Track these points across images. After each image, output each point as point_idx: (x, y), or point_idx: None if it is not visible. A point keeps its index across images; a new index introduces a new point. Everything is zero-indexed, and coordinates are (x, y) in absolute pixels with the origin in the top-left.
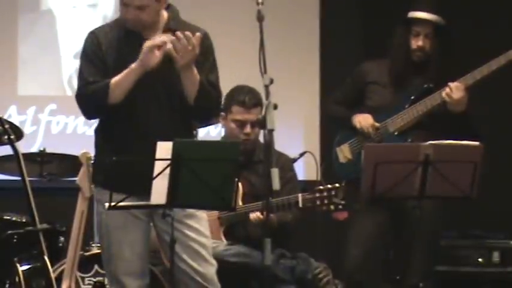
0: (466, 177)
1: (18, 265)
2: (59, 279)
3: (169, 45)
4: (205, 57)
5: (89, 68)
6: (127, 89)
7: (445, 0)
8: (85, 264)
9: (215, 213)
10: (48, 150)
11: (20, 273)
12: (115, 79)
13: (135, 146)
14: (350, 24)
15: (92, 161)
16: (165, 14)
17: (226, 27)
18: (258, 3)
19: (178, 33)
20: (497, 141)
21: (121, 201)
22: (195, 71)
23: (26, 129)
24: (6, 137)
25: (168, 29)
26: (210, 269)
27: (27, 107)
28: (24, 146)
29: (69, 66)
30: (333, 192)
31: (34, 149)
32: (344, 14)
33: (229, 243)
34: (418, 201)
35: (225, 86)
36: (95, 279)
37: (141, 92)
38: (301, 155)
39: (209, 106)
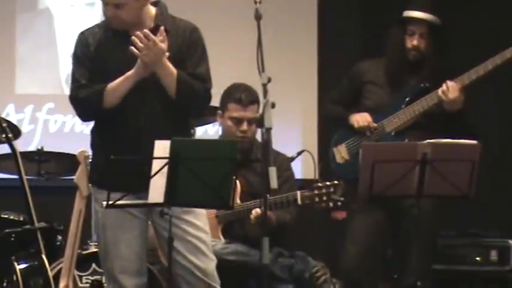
0: (464, 176)
1: (15, 264)
2: (56, 277)
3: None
4: (193, 51)
5: (79, 70)
6: (122, 95)
7: None
8: (83, 262)
9: (213, 211)
10: (46, 149)
11: (18, 271)
12: (111, 85)
13: (129, 146)
14: (348, 23)
15: (90, 160)
16: (152, 10)
17: (224, 26)
18: (255, 2)
19: (138, 32)
20: (495, 140)
21: (119, 200)
22: (169, 67)
23: (24, 128)
24: (3, 135)
25: (156, 26)
26: (210, 264)
27: (25, 105)
28: (22, 145)
29: (67, 65)
30: (332, 189)
31: (32, 147)
32: (342, 12)
33: (227, 241)
34: (415, 200)
35: (223, 85)
36: (92, 278)
37: (132, 93)
38: (299, 153)
39: (194, 99)
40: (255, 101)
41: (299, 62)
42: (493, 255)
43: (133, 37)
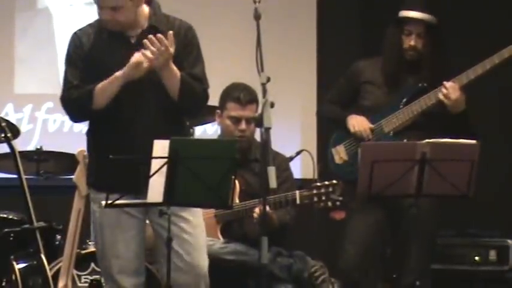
0: (463, 175)
1: (14, 263)
2: (55, 277)
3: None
4: (189, 51)
5: (71, 71)
6: (111, 96)
7: None
8: (82, 262)
9: (211, 211)
10: (44, 149)
11: (17, 271)
12: (99, 85)
13: (126, 148)
14: (348, 23)
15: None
16: (146, 10)
17: (223, 26)
18: (255, 2)
19: (151, 36)
20: (494, 140)
21: (117, 200)
22: (174, 69)
23: (23, 128)
24: (2, 135)
25: (150, 26)
26: (204, 264)
27: (24, 105)
28: (21, 144)
29: None
30: (331, 189)
31: (31, 147)
32: (342, 12)
33: (225, 241)
34: (414, 199)
35: (222, 84)
36: (91, 277)
37: (128, 94)
38: (298, 153)
39: (194, 100)
40: (253, 100)
41: (298, 61)
42: (492, 255)
43: (145, 41)
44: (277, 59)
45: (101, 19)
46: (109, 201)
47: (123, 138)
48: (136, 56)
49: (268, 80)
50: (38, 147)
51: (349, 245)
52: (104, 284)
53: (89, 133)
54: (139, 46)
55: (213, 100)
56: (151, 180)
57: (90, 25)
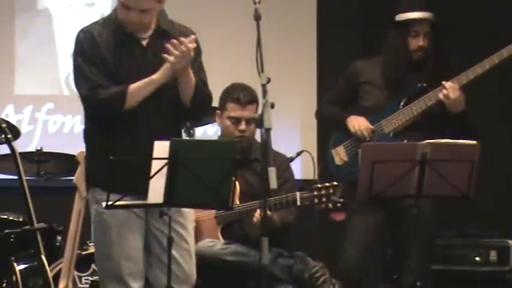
0: (463, 176)
1: (15, 264)
2: (56, 278)
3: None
4: (195, 57)
5: (92, 69)
6: (143, 98)
7: None
8: (82, 263)
9: (212, 212)
10: (45, 150)
11: (17, 272)
12: (133, 87)
13: (135, 148)
14: (348, 23)
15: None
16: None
17: (223, 27)
18: (255, 2)
19: (175, 40)
20: (494, 140)
21: (118, 200)
22: (191, 74)
23: (23, 129)
24: (3, 136)
25: (161, 30)
26: (193, 266)
27: (24, 106)
28: (21, 145)
29: (66, 66)
30: (331, 190)
31: (31, 148)
32: (342, 13)
33: (226, 242)
34: (415, 200)
35: (222, 85)
36: (92, 278)
37: None
38: (298, 154)
39: (204, 105)
40: (253, 100)
41: (298, 62)
42: (493, 255)
43: (168, 45)
44: (277, 60)
45: (124, 20)
46: (110, 202)
47: (135, 139)
48: (174, 60)
49: (269, 80)
50: (39, 148)
51: (350, 246)
52: (104, 286)
53: (96, 133)
54: (151, 49)
55: (214, 101)
56: (152, 181)
57: (97, 23)
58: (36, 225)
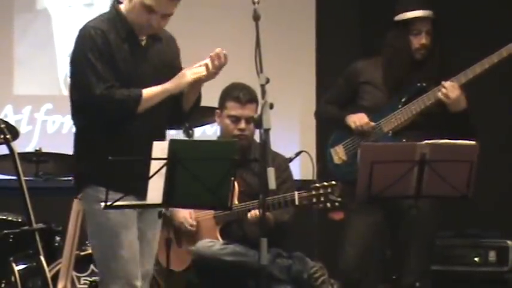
0: (462, 176)
1: (14, 265)
2: (54, 278)
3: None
4: (180, 60)
5: (105, 67)
6: (153, 105)
7: None
8: (81, 263)
9: (211, 212)
10: (44, 150)
11: (16, 272)
12: (147, 93)
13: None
14: (347, 23)
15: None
16: None
17: (222, 27)
18: (254, 3)
19: (218, 51)
20: (493, 140)
21: (117, 201)
22: None
23: (22, 129)
24: (2, 136)
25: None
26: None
27: (23, 106)
28: (20, 146)
29: (65, 66)
30: (329, 190)
31: (30, 148)
32: (340, 13)
33: (225, 242)
34: (414, 200)
35: (221, 85)
36: (90, 279)
37: None
38: (297, 154)
39: (197, 109)
40: (253, 99)
41: (297, 62)
42: (492, 255)
43: (212, 54)
44: (276, 60)
45: (141, 22)
46: (109, 202)
47: (135, 140)
48: (195, 71)
49: (268, 81)
50: (37, 148)
51: (349, 246)
52: (106, 286)
53: (92, 133)
54: (148, 50)
55: (213, 101)
56: (151, 182)
57: (102, 21)
58: (35, 225)
